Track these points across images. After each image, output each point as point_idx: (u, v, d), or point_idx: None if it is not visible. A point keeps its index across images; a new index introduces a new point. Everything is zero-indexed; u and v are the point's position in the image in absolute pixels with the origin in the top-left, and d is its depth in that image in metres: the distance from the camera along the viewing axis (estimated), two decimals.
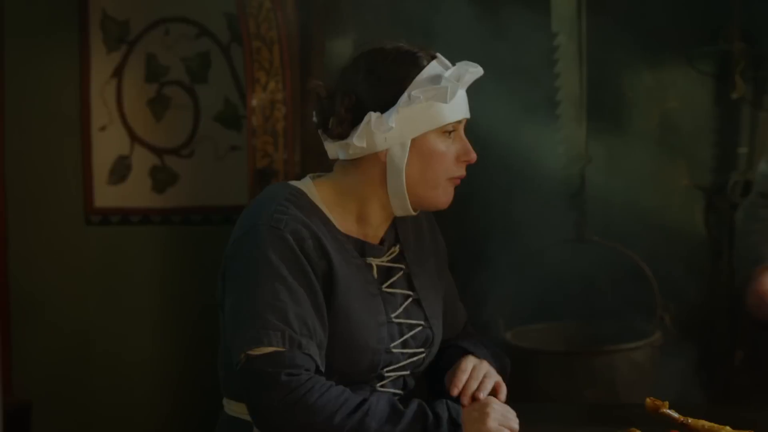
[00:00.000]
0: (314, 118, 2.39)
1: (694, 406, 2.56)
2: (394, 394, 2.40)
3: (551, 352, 4.08)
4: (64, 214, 5.01)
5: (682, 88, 4.27)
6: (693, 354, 4.17)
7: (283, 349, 2.19)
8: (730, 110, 4.25)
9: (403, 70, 2.32)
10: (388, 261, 2.41)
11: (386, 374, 2.38)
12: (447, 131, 2.33)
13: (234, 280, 2.29)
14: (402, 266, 2.43)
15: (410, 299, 2.41)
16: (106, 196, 4.98)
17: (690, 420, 2.26)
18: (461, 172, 2.37)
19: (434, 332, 2.45)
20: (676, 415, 2.30)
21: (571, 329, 4.27)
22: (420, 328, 2.41)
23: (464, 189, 4.24)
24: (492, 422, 2.25)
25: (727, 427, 2.20)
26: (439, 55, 2.37)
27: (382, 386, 2.39)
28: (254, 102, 4.33)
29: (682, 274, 4.25)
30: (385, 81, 2.32)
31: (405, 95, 2.30)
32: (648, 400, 2.36)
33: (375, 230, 2.40)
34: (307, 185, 2.39)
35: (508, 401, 2.39)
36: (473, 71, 2.35)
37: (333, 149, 2.36)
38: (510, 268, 4.11)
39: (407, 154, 2.32)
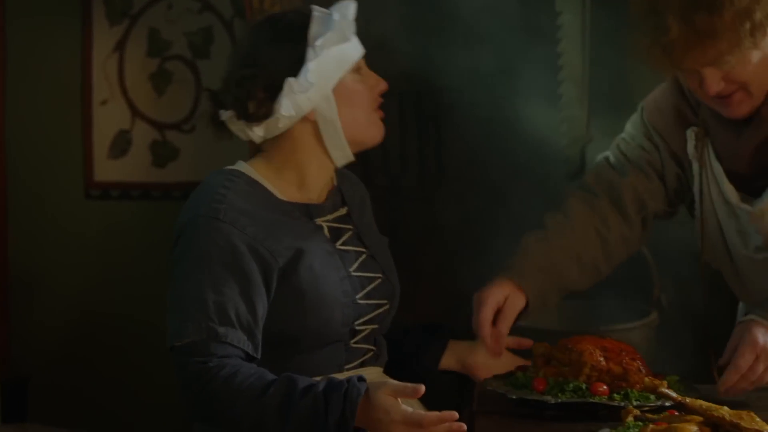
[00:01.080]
0: (228, 113, 2.42)
1: (691, 386, 2.56)
2: (368, 350, 2.50)
3: (547, 330, 4.08)
4: (65, 188, 5.00)
5: None
6: (690, 335, 4.17)
7: (199, 339, 2.24)
8: None
9: (294, 30, 2.39)
10: (336, 222, 2.49)
11: (357, 328, 2.43)
12: (356, 70, 2.42)
13: (171, 274, 2.35)
14: (350, 227, 2.51)
15: (364, 255, 2.50)
16: (107, 170, 4.98)
17: (688, 400, 2.27)
18: (379, 99, 2.47)
19: (393, 283, 2.54)
20: (674, 394, 2.31)
21: (568, 308, 4.27)
22: (379, 280, 2.50)
23: (465, 167, 4.26)
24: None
25: (725, 408, 2.21)
26: (313, 6, 2.44)
27: (355, 342, 2.46)
28: None
29: (680, 254, 4.24)
30: (286, 45, 2.38)
31: (310, 50, 2.36)
32: (646, 379, 2.38)
33: (318, 193, 2.47)
34: (242, 166, 2.45)
35: None
36: (351, 4, 2.41)
37: (258, 132, 2.41)
38: (510, 247, 4.11)
39: (335, 105, 2.37)
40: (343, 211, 2.52)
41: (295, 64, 2.36)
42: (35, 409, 5.00)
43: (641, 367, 2.44)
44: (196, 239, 2.31)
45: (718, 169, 2.66)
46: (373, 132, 2.47)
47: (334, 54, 2.36)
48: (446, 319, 3.89)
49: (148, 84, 4.94)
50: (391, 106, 4.38)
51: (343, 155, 2.44)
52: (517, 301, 2.64)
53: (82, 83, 4.96)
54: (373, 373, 2.48)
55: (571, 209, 2.80)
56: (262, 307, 2.30)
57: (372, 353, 2.51)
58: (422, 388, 2.14)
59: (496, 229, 4.10)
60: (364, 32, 3.91)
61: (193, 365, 2.23)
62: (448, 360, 2.71)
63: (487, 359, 2.70)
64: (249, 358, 2.29)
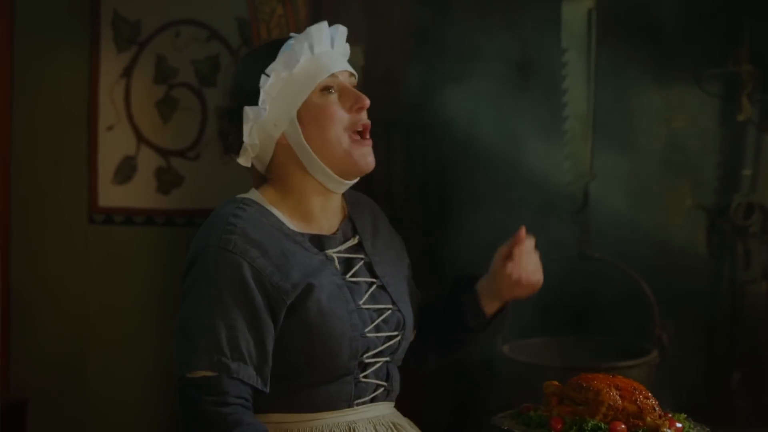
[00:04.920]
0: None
1: (699, 425, 2.56)
2: (378, 386, 2.45)
3: (547, 366, 4.09)
4: (68, 212, 5.01)
5: (689, 108, 4.28)
6: (690, 374, 4.17)
7: (212, 374, 2.24)
8: (736, 132, 4.27)
9: (259, 61, 2.38)
10: (347, 252, 2.46)
11: (366, 361, 2.41)
12: (326, 88, 2.37)
13: (181, 303, 2.34)
14: (362, 256, 2.48)
15: (374, 286, 2.46)
16: (111, 195, 4.99)
17: None
18: (360, 119, 2.40)
19: (404, 314, 2.49)
20: None
21: (569, 345, 4.28)
22: (389, 311, 2.46)
23: (468, 201, 4.27)
24: None
25: None
26: (293, 34, 2.42)
27: (365, 377, 2.43)
28: None
29: (681, 293, 4.25)
30: (246, 75, 2.39)
31: (263, 77, 2.35)
32: (648, 418, 2.38)
33: (328, 222, 2.45)
34: (254, 194, 2.43)
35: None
36: (318, 26, 2.39)
37: (243, 162, 2.44)
38: None
39: (299, 127, 2.36)
40: (354, 240, 2.49)
41: (251, 94, 2.36)
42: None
43: (655, 406, 2.44)
44: (206, 270, 2.29)
45: None
46: (352, 156, 2.39)
47: (295, 77, 2.36)
48: None
49: (155, 111, 4.96)
50: (395, 139, 4.43)
51: (329, 179, 2.40)
52: None
53: (88, 108, 4.98)
54: (384, 410, 2.47)
55: None
56: (270, 341, 2.29)
57: (383, 389, 2.48)
58: None
59: None
60: (370, 66, 3.96)
61: (205, 404, 2.23)
62: (487, 300, 2.62)
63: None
64: (257, 392, 2.29)
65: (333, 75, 2.38)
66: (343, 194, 2.53)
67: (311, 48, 2.37)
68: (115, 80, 4.96)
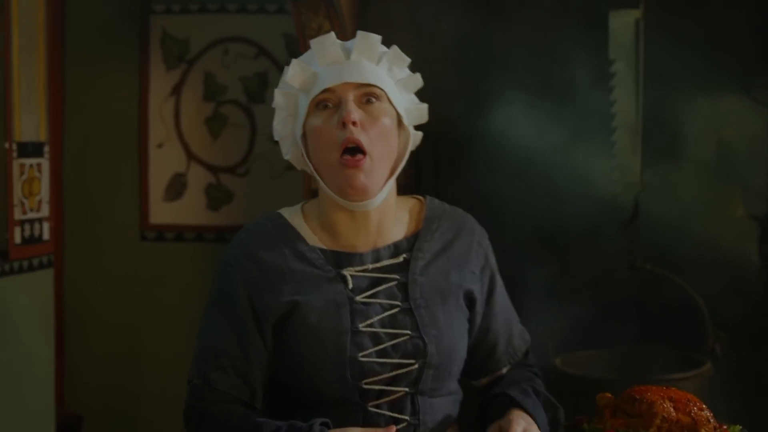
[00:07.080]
0: None
1: None
2: (399, 419, 2.27)
3: (600, 379, 4.07)
4: (120, 229, 5.05)
5: (738, 116, 4.26)
6: (743, 385, 4.14)
7: (197, 382, 2.30)
8: None
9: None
10: (376, 271, 2.30)
11: (366, 387, 2.23)
12: (319, 104, 2.24)
13: None
14: (396, 277, 2.29)
15: (397, 309, 2.27)
16: (162, 212, 5.03)
17: None
18: (345, 134, 2.20)
19: (426, 342, 2.26)
20: None
21: (621, 357, 4.25)
22: (406, 338, 2.25)
23: (518, 214, 4.26)
24: None
25: None
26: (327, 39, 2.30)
27: (375, 406, 2.25)
28: None
29: (734, 304, 4.22)
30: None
31: (276, 94, 2.31)
32: (703, 430, 2.36)
33: (362, 240, 2.31)
34: (289, 209, 2.36)
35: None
36: (319, 40, 2.28)
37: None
38: (562, 294, 4.11)
39: (302, 147, 2.27)
40: (398, 259, 2.31)
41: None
42: None
43: (710, 418, 2.42)
44: (213, 283, 2.32)
45: None
46: (339, 180, 2.22)
47: (301, 94, 2.28)
48: None
49: (204, 128, 5.00)
50: (443, 152, 4.43)
51: (341, 199, 2.24)
52: None
53: (138, 126, 5.02)
54: None
55: None
56: (258, 356, 2.25)
57: (406, 423, 2.27)
58: (392, 428, 2.09)
59: (546, 275, 4.11)
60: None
61: (186, 408, 2.32)
62: None
63: None
64: (248, 405, 2.27)
65: (329, 90, 2.23)
66: (429, 208, 2.42)
67: (309, 64, 2.26)
68: (164, 98, 5.01)
